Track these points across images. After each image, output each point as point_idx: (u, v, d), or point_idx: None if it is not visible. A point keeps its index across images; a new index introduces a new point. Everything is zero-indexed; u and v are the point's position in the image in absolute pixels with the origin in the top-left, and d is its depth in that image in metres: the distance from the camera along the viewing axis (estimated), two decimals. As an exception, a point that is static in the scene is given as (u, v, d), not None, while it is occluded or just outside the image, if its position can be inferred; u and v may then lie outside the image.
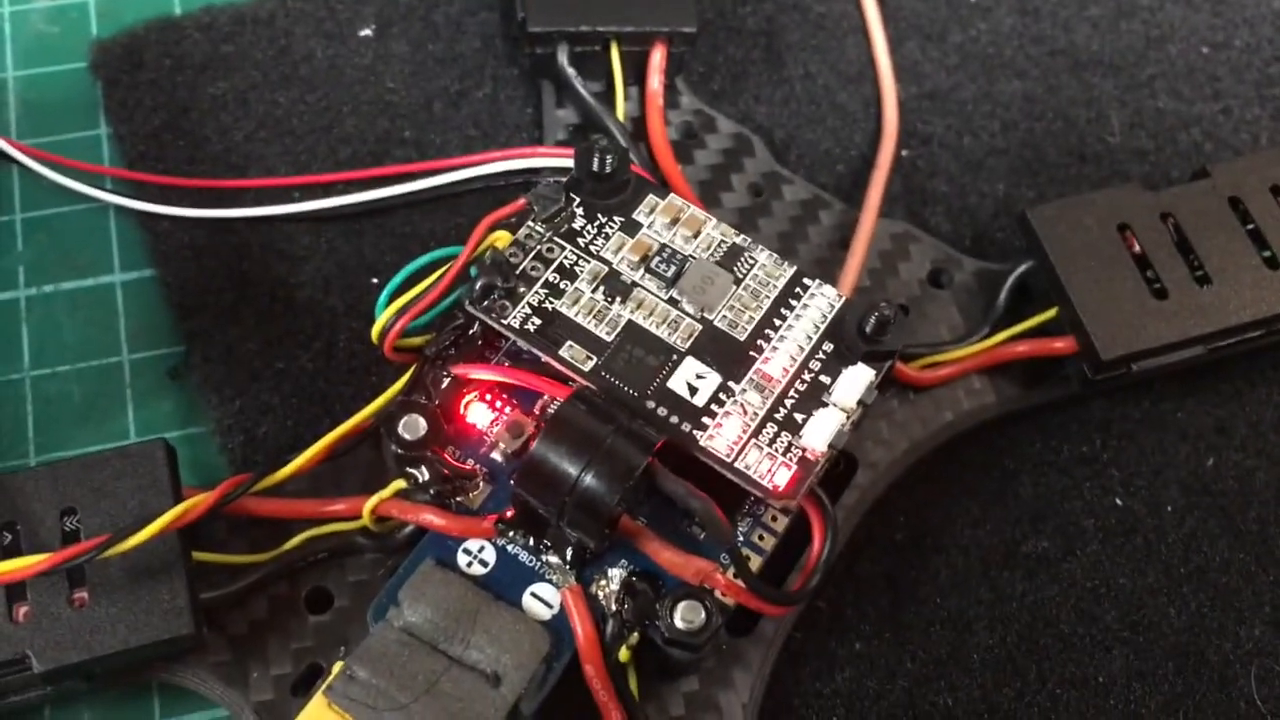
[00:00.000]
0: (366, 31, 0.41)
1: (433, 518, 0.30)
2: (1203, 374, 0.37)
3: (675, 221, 0.33)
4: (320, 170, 0.39)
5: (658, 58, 0.39)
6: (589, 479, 0.29)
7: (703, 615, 0.30)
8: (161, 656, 0.30)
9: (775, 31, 0.43)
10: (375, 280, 0.37)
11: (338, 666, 0.29)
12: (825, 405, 0.31)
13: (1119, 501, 0.36)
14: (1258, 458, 0.37)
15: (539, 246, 0.32)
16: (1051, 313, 0.36)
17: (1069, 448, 0.37)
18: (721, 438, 0.30)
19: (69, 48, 0.41)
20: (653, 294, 0.32)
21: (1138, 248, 0.36)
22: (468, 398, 0.32)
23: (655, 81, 0.39)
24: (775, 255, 0.33)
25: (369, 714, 0.28)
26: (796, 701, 0.33)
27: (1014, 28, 0.44)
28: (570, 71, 0.38)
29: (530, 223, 0.33)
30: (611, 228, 0.33)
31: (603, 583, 0.30)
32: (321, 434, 0.32)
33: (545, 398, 0.32)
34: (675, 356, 0.31)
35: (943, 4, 0.44)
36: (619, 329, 0.32)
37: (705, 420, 0.31)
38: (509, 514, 0.31)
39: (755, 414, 0.31)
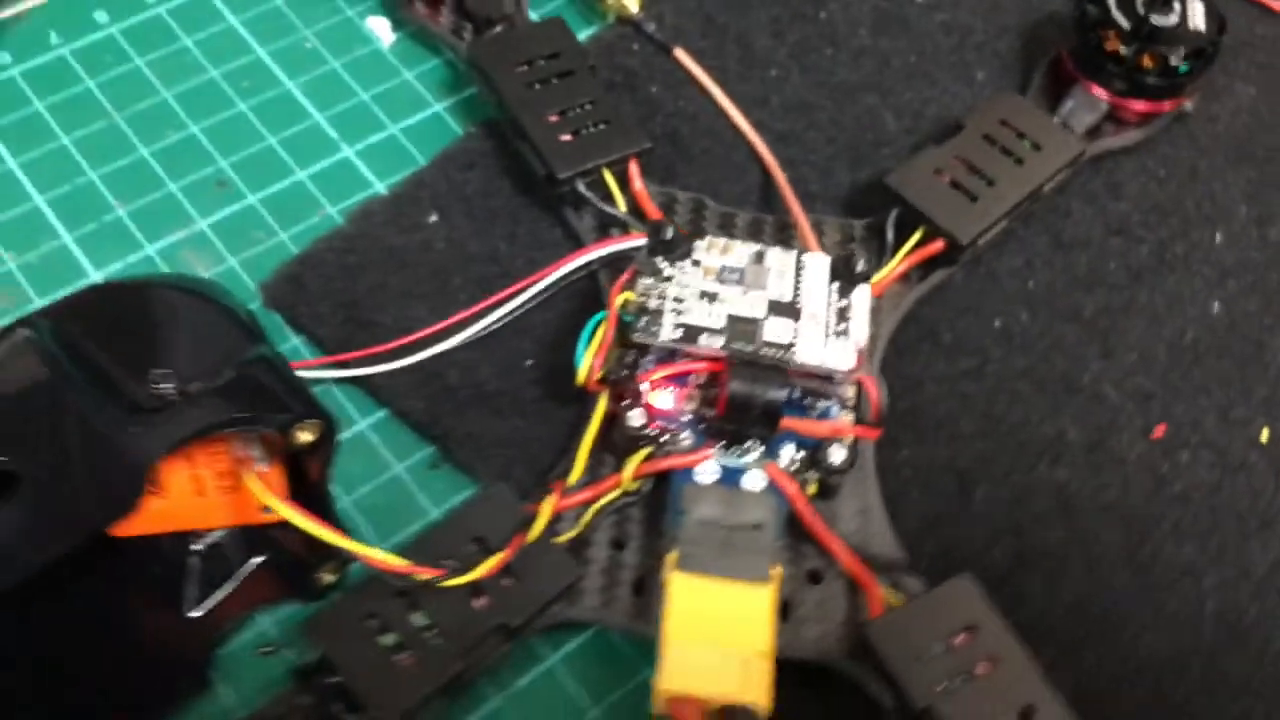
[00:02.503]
0: (434, 218, 0.60)
1: (675, 460, 0.50)
2: (1011, 236, 0.62)
3: (718, 251, 0.54)
4: (455, 312, 0.57)
5: (634, 168, 0.60)
6: (764, 396, 0.50)
7: (845, 452, 0.51)
8: (559, 599, 0.48)
9: (675, 131, 0.65)
10: (529, 362, 0.56)
11: (672, 554, 0.48)
12: (851, 317, 0.53)
13: (997, 324, 0.60)
14: (1062, 272, 0.62)
15: (655, 290, 0.53)
16: (921, 232, 0.60)
17: (961, 301, 0.60)
18: (808, 353, 0.52)
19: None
20: (731, 293, 0.53)
21: (949, 178, 0.60)
22: (652, 392, 0.52)
23: (638, 184, 0.60)
24: (781, 248, 0.55)
25: (707, 563, 0.47)
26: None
27: (805, 81, 0.68)
28: (589, 195, 0.59)
29: (642, 278, 0.53)
30: (686, 266, 0.54)
31: (783, 457, 0.51)
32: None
33: (693, 376, 0.52)
34: (761, 321, 0.52)
35: (758, 82, 0.67)
36: (724, 319, 0.52)
37: (794, 348, 0.52)
38: (714, 447, 0.51)
39: (820, 333, 0.52)
